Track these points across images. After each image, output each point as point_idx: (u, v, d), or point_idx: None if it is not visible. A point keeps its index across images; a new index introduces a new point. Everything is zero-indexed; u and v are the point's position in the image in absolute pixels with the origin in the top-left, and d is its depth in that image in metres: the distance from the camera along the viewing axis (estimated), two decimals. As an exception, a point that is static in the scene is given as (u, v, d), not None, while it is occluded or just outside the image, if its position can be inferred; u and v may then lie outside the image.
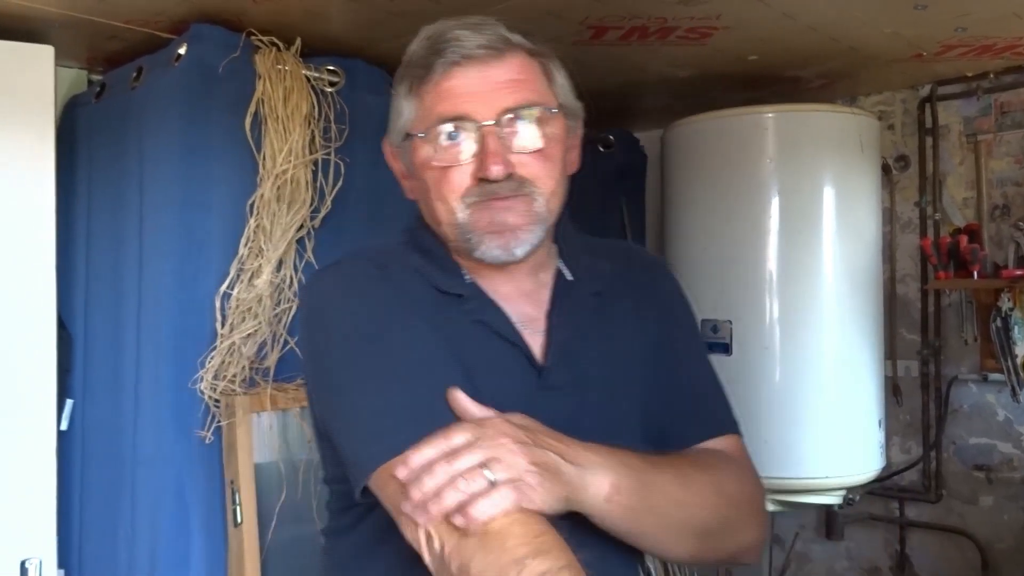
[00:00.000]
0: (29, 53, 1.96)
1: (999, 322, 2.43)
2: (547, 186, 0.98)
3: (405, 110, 1.02)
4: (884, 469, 2.53)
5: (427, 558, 0.84)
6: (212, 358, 1.92)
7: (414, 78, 1.00)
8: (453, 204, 0.97)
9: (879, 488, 2.70)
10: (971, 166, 2.60)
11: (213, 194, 1.94)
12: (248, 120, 1.95)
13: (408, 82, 1.01)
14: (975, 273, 2.43)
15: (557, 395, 0.99)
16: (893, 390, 2.72)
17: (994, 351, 2.48)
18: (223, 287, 1.94)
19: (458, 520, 0.81)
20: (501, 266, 1.00)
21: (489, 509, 0.81)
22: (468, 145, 0.96)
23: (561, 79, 1.04)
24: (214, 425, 1.93)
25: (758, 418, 2.30)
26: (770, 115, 2.38)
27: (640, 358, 1.08)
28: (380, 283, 0.99)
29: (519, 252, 0.98)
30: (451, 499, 0.81)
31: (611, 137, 2.95)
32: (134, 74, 2.07)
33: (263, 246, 1.94)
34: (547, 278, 1.06)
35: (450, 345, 0.96)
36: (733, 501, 1.03)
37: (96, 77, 2.38)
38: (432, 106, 0.98)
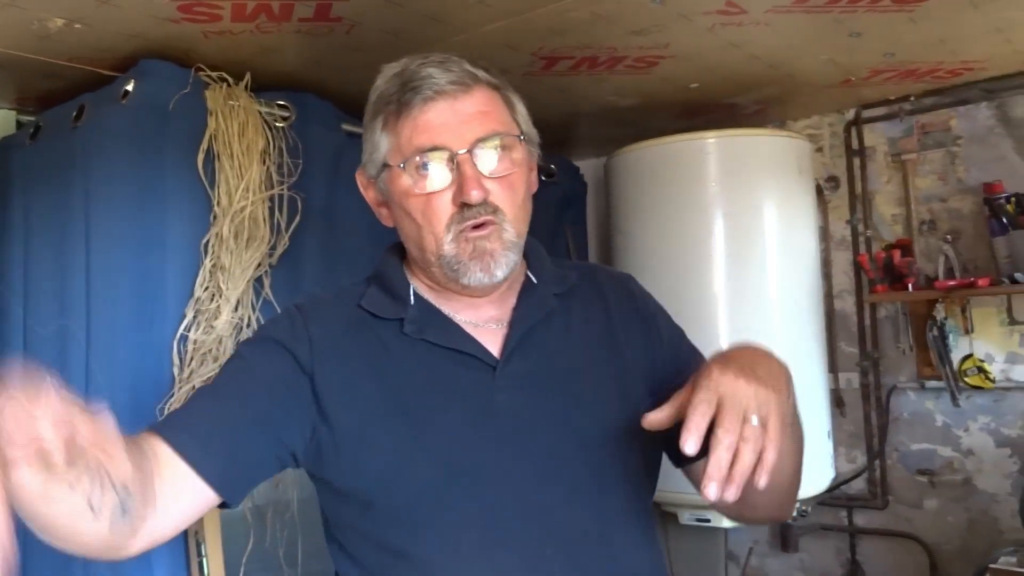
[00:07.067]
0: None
1: (935, 331, 2.54)
2: (512, 212, 1.05)
3: (382, 143, 1.07)
4: (833, 479, 2.61)
5: None
6: (171, 404, 1.85)
7: (389, 113, 1.05)
8: (441, 235, 1.03)
9: (828, 498, 2.78)
10: (898, 184, 2.74)
11: (167, 234, 1.88)
12: (201, 157, 1.90)
13: (383, 117, 1.06)
14: (910, 285, 2.54)
15: (512, 387, 1.06)
16: (836, 402, 2.81)
17: (931, 359, 2.59)
18: (180, 330, 1.87)
19: None
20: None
21: None
22: (445, 174, 1.02)
23: (521, 108, 1.11)
24: (174, 474, 1.85)
25: (717, 436, 2.34)
26: (712, 140, 2.46)
27: (616, 351, 1.15)
28: (283, 332, 1.08)
29: (500, 274, 1.04)
30: None
31: (553, 166, 2.98)
32: (75, 113, 1.99)
33: (222, 286, 1.88)
34: (517, 285, 1.13)
35: (389, 373, 1.04)
36: None
37: (26, 118, 2.29)
38: (410, 138, 1.03)
